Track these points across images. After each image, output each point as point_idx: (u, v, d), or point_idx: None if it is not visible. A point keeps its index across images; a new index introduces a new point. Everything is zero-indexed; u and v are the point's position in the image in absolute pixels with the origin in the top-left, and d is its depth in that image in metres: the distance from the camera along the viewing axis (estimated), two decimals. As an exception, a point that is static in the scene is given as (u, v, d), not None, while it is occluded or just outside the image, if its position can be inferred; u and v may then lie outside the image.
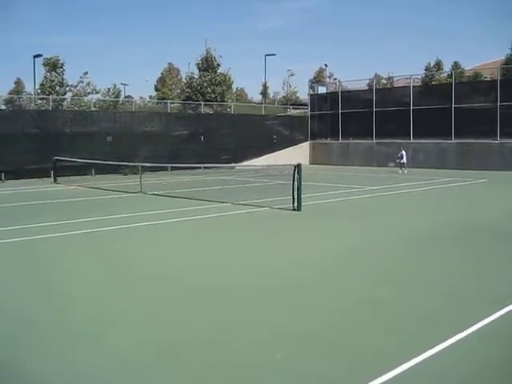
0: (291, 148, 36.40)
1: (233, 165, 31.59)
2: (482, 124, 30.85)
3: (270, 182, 22.77)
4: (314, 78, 57.14)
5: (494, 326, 5.72)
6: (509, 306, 6.23)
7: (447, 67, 48.49)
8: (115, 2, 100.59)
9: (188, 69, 41.21)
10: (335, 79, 52.54)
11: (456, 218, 13.41)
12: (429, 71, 48.14)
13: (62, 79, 35.14)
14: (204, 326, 5.82)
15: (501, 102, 30.18)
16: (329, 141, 38.08)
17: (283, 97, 61.88)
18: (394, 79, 45.15)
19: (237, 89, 56.21)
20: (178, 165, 26.79)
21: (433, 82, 44.08)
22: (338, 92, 38.58)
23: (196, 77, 39.42)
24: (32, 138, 25.70)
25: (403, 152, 29.59)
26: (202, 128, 32.85)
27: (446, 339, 5.24)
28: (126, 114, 31.55)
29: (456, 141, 31.59)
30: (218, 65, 39.38)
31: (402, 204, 16.74)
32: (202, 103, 35.54)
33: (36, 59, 37.13)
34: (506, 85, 30.94)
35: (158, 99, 51.84)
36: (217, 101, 37.85)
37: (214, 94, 38.44)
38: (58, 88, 34.67)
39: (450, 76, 37.09)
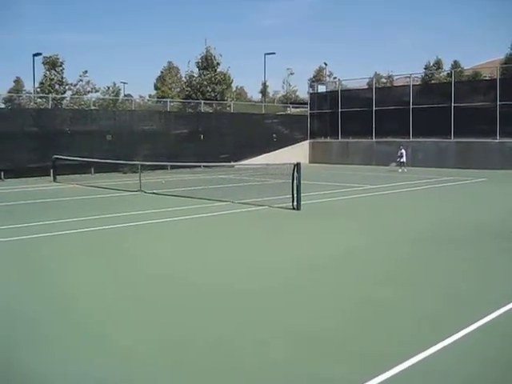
0: (291, 147, 36.41)
1: (232, 163, 31.60)
2: (481, 123, 30.88)
3: (269, 181, 22.77)
4: (313, 77, 57.20)
5: (493, 327, 5.74)
6: (509, 306, 6.25)
7: (447, 66, 48.57)
8: (115, 0, 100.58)
9: (188, 67, 41.18)
10: (335, 78, 52.64)
11: (456, 217, 13.43)
12: (428, 70, 48.12)
13: (62, 78, 35.12)
14: (208, 326, 5.83)
15: (500, 101, 30.20)
16: (328, 140, 38.09)
17: (283, 96, 61.90)
18: (394, 78, 45.26)
19: (236, 88, 56.21)
20: (178, 163, 26.79)
21: (432, 81, 44.08)
22: (337, 91, 38.59)
23: (196, 75, 39.40)
24: (31, 137, 25.70)
25: (403, 151, 29.60)
26: (202, 127, 32.85)
27: (446, 339, 5.26)
28: (126, 113, 31.55)
29: (455, 140, 31.61)
30: (218, 63, 39.37)
31: (402, 203, 16.75)
32: (202, 102, 35.54)
33: (35, 58, 37.16)
34: (506, 84, 30.96)
35: (157, 98, 51.86)
36: (216, 99, 37.84)
37: (214, 92, 38.42)
38: (57, 87, 34.65)
39: (449, 75, 37.09)
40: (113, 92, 39.64)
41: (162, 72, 60.40)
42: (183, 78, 45.65)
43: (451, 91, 32.17)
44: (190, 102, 36.55)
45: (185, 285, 7.46)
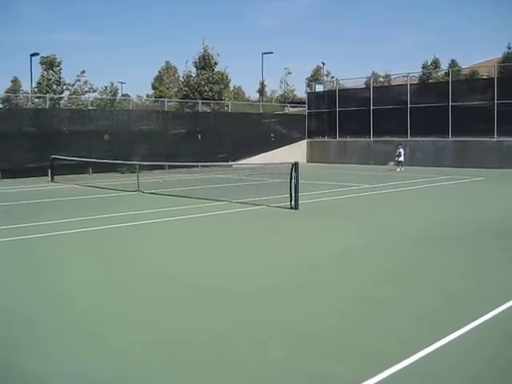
0: (288, 146, 36.40)
1: (230, 163, 31.56)
2: (479, 122, 30.88)
3: (267, 181, 22.74)
4: (311, 77, 57.22)
5: (493, 326, 5.71)
6: (508, 305, 6.22)
7: (444, 65, 48.63)
8: (114, 1, 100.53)
9: (185, 67, 41.12)
10: (332, 77, 52.63)
11: (455, 216, 13.40)
12: (426, 69, 48.12)
13: (59, 78, 35.09)
14: (204, 326, 5.79)
15: (498, 100, 30.19)
16: (326, 139, 38.07)
17: (280, 95, 61.91)
18: (392, 77, 45.30)
19: (234, 87, 56.22)
20: (176, 163, 26.77)
21: (430, 80, 44.15)
22: (335, 90, 38.61)
23: (193, 75, 39.37)
24: (29, 137, 25.65)
25: (401, 150, 29.61)
26: (200, 126, 32.81)
27: (446, 338, 5.24)
28: (123, 113, 31.52)
29: (453, 139, 31.62)
30: (216, 63, 39.34)
31: (400, 202, 16.73)
32: (200, 102, 35.51)
33: (33, 58, 37.12)
34: (503, 83, 30.94)
35: (155, 97, 51.83)
36: (214, 99, 37.81)
37: (212, 92, 38.39)
38: (54, 87, 34.62)
39: (447, 74, 37.16)
40: (110, 92, 39.63)
41: (159, 72, 60.45)
42: (181, 78, 45.69)
43: (449, 90, 32.17)
44: (187, 102, 36.52)
45: (181, 285, 7.42)
